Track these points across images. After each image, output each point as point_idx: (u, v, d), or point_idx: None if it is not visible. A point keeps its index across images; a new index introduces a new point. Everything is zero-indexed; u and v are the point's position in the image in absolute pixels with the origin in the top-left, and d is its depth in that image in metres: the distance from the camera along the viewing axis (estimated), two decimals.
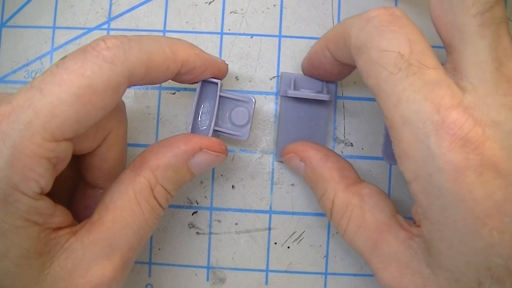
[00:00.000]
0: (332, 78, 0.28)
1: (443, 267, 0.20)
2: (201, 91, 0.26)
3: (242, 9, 0.30)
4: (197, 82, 0.25)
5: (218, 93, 0.26)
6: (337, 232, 0.29)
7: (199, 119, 0.26)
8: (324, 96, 0.27)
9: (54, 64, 0.20)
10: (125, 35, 0.22)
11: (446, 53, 0.22)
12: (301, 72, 0.29)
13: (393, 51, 0.19)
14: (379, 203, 0.24)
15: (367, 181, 0.25)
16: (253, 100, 0.26)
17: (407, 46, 0.19)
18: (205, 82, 0.26)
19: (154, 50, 0.22)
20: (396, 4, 0.30)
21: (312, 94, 0.27)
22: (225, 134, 0.26)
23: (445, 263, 0.20)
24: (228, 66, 0.30)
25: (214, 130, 0.26)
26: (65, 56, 0.21)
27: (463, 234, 0.19)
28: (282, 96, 0.29)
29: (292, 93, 0.27)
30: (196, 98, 0.25)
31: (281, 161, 0.29)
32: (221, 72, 0.26)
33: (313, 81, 0.28)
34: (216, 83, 0.25)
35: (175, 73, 0.23)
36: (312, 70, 0.27)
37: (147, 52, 0.21)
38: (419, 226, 0.22)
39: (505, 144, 0.18)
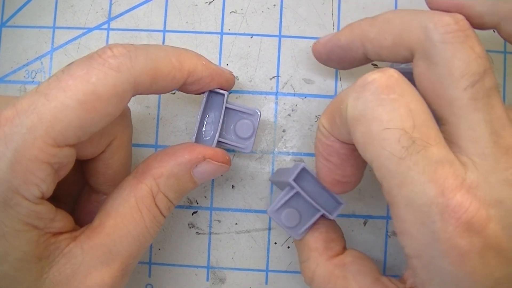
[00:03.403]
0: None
1: None
2: (207, 101, 0.25)
3: (242, 9, 0.30)
4: (203, 93, 0.25)
5: (224, 104, 0.25)
6: None
7: (204, 129, 0.26)
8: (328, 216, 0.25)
9: (60, 70, 0.20)
10: (132, 44, 0.21)
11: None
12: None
13: (397, 128, 0.18)
14: (362, 270, 0.24)
15: (350, 248, 0.25)
16: (259, 113, 0.26)
17: (410, 120, 0.18)
18: (211, 92, 0.25)
19: (160, 59, 0.22)
20: (396, 7, 0.30)
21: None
22: (228, 146, 0.26)
23: None
24: (228, 66, 0.30)
25: (218, 141, 0.26)
26: (72, 63, 0.21)
27: None
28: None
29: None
30: (201, 108, 0.25)
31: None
32: (228, 83, 0.26)
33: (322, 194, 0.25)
34: (223, 94, 0.25)
35: (181, 83, 0.23)
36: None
37: (154, 61, 0.21)
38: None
39: (507, 223, 0.18)
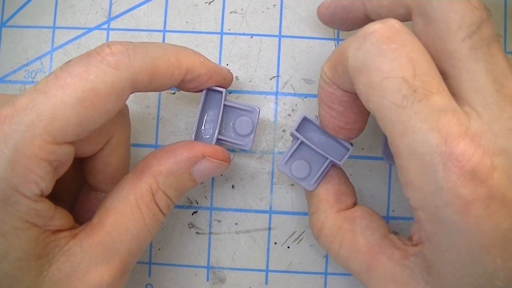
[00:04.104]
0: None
1: (444, 286, 0.20)
2: (205, 99, 0.25)
3: (242, 9, 0.30)
4: (201, 91, 0.25)
5: (222, 102, 0.25)
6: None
7: (203, 127, 0.26)
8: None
9: (58, 67, 0.20)
10: (130, 42, 0.22)
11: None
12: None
13: (397, 77, 0.18)
14: (370, 225, 0.23)
15: (360, 204, 0.25)
16: (257, 110, 0.26)
17: (410, 69, 0.18)
18: (209, 90, 0.25)
19: (158, 57, 0.22)
20: None
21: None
22: (228, 143, 0.26)
23: (446, 282, 0.20)
24: (228, 66, 0.30)
25: (218, 139, 0.26)
26: (70, 60, 0.21)
27: (466, 260, 0.18)
28: None
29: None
30: (200, 107, 0.25)
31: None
32: (226, 80, 0.26)
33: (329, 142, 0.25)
34: (221, 92, 0.25)
35: (179, 80, 0.23)
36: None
37: (152, 59, 0.21)
38: (416, 245, 0.22)
39: None
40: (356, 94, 0.21)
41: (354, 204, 0.25)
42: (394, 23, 0.19)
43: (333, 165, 0.25)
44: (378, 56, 0.19)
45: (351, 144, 0.25)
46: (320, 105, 0.23)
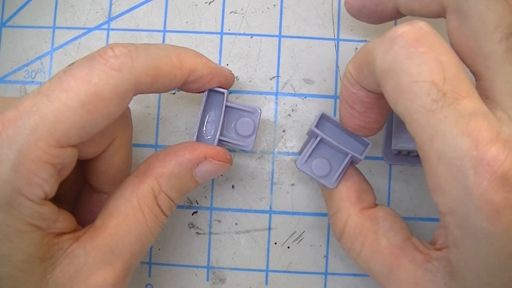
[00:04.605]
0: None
1: None
2: (207, 100, 0.25)
3: (242, 9, 0.30)
4: (203, 92, 0.25)
5: (224, 103, 0.25)
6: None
7: (204, 128, 0.26)
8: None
9: (61, 70, 0.20)
10: (132, 43, 0.22)
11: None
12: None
13: (426, 81, 0.18)
14: (393, 227, 0.23)
15: (382, 204, 0.25)
16: (259, 111, 0.26)
17: (440, 73, 0.18)
18: (211, 91, 0.25)
19: (161, 59, 0.22)
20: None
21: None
22: (229, 144, 0.26)
23: None
24: (228, 66, 0.30)
25: (219, 140, 0.26)
26: (73, 63, 0.21)
27: (494, 268, 0.18)
28: None
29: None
30: (202, 107, 0.25)
31: (397, 149, 0.27)
32: (228, 81, 0.26)
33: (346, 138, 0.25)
34: (223, 93, 0.25)
35: (182, 81, 0.23)
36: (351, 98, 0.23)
37: (154, 60, 0.21)
38: (440, 249, 0.21)
39: None
40: (378, 95, 0.21)
41: (374, 203, 0.25)
42: (422, 25, 0.19)
43: (351, 163, 0.25)
44: (406, 59, 0.18)
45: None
46: (341, 104, 0.23)
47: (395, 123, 0.27)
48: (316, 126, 0.24)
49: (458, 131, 0.17)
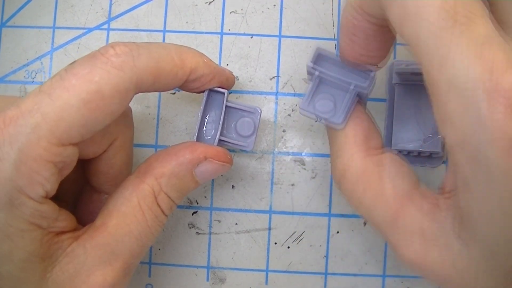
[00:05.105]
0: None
1: (479, 240, 0.18)
2: (207, 100, 0.25)
3: (242, 9, 0.30)
4: (203, 91, 0.25)
5: (224, 103, 0.25)
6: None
7: (204, 128, 0.26)
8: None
9: (63, 69, 0.20)
10: (134, 42, 0.22)
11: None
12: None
13: (435, 3, 0.16)
14: (400, 172, 0.21)
15: (389, 149, 0.23)
16: (259, 111, 0.26)
17: None
18: (211, 91, 0.25)
19: (162, 57, 0.22)
20: None
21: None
22: (230, 144, 0.26)
23: (482, 236, 0.18)
24: (228, 66, 0.30)
25: (219, 140, 0.26)
26: (74, 62, 0.21)
27: (508, 209, 0.17)
28: (396, 84, 0.26)
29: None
30: (202, 107, 0.25)
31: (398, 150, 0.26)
32: (228, 81, 0.26)
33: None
34: (223, 93, 0.25)
35: (183, 80, 0.23)
36: (350, 45, 0.22)
37: (156, 59, 0.21)
38: (449, 198, 0.20)
39: None
40: (381, 25, 0.20)
41: (381, 148, 0.23)
42: None
43: (358, 103, 0.23)
44: None
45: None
46: (342, 36, 0.22)
47: (395, 123, 0.27)
48: (314, 68, 0.23)
49: (470, 56, 0.16)
